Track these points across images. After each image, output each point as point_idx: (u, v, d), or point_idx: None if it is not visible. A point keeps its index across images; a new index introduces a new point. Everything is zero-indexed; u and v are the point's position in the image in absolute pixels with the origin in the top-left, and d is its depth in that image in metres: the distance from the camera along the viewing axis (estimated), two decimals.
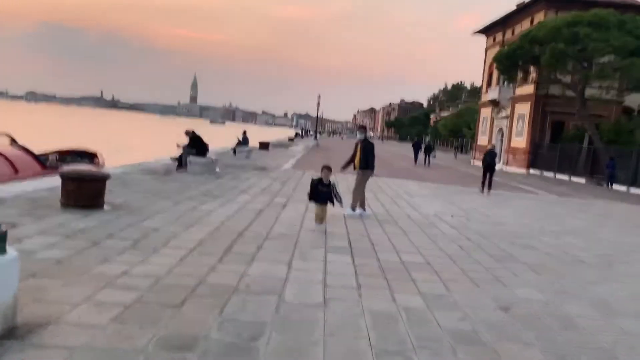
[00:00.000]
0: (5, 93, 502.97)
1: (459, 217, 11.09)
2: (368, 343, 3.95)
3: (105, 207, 8.21)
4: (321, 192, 8.27)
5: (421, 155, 35.11)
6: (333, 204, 8.38)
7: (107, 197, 8.88)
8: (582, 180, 30.83)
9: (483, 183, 17.81)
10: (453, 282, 5.87)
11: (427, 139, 56.97)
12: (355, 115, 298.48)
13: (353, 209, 9.81)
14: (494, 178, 18.42)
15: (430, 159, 35.03)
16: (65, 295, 4.34)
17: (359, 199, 9.96)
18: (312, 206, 8.68)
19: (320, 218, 8.32)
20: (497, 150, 42.39)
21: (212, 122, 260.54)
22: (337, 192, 8.36)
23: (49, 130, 52.69)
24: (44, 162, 13.71)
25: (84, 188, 7.86)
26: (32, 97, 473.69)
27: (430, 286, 5.62)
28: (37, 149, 16.73)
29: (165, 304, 4.34)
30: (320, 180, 8.34)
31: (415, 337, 4.15)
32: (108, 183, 10.38)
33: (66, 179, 7.90)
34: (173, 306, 4.30)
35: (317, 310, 4.53)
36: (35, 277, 4.70)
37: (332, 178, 8.31)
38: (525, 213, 13.22)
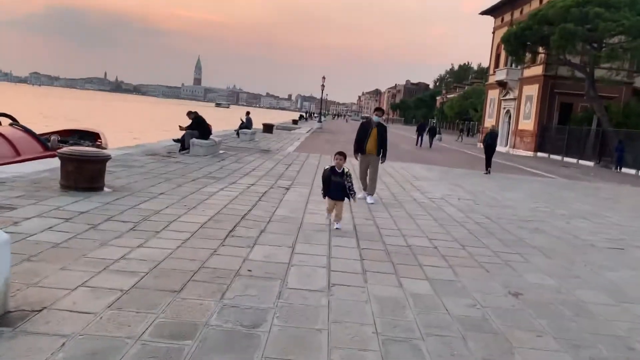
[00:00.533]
0: (10, 74, 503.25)
1: (466, 200, 10.89)
2: (374, 330, 3.79)
3: (106, 189, 8.06)
4: (334, 183, 6.93)
5: (426, 137, 35.75)
6: (348, 198, 7.04)
7: (108, 178, 8.74)
8: (590, 164, 30.50)
9: (488, 163, 18.35)
10: (461, 267, 5.70)
11: (433, 121, 56.83)
12: (359, 97, 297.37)
13: (371, 195, 9.57)
14: (493, 159, 18.84)
15: (434, 141, 36.08)
16: (61, 279, 4.20)
17: (375, 185, 9.76)
18: (318, 190, 8.31)
19: (332, 210, 7.09)
20: (504, 133, 42.24)
21: (217, 104, 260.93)
22: (352, 184, 7.02)
23: (52, 112, 52.62)
24: (45, 143, 13.55)
25: (84, 169, 7.70)
26: (36, 79, 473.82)
27: (438, 271, 5.45)
28: (39, 130, 16.60)
29: (164, 289, 4.20)
30: (332, 168, 7.05)
31: (423, 324, 4.00)
32: (109, 164, 10.24)
33: (65, 159, 7.73)
34: (172, 291, 4.16)
35: (321, 296, 4.38)
36: (30, 261, 4.56)
37: (347, 167, 7.19)
38: (533, 196, 13.00)
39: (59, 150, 8.07)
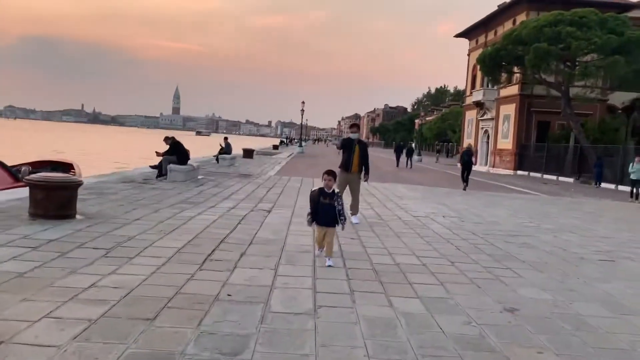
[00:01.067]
0: None
1: (451, 218, 10.71)
2: (365, 353, 3.51)
3: (78, 216, 7.70)
4: (323, 206, 5.98)
5: (403, 158, 36.66)
6: (338, 223, 6.03)
7: (81, 206, 8.38)
8: (570, 180, 30.75)
9: (463, 179, 19.23)
10: (452, 283, 5.46)
11: (413, 143, 57.52)
12: (339, 122, 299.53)
13: (356, 215, 9.28)
14: (472, 177, 19.47)
15: (414, 162, 37.12)
16: (23, 311, 3.85)
17: (358, 203, 9.47)
18: (300, 212, 7.93)
19: (322, 242, 6.12)
20: (484, 152, 42.65)
21: (198, 133, 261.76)
22: (342, 208, 6.04)
23: (27, 145, 51.82)
24: (16, 174, 13.07)
25: (54, 196, 7.34)
26: (11, 112, 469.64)
27: (428, 288, 5.20)
28: (11, 162, 16.09)
29: (137, 317, 3.87)
30: (321, 190, 6.10)
31: (417, 344, 3.73)
32: (82, 193, 9.86)
33: (34, 187, 7.37)
34: (145, 320, 3.83)
35: (307, 319, 4.09)
36: None
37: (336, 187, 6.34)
38: (518, 212, 12.89)
39: (27, 177, 7.71)
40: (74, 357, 3.15)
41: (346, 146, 9.43)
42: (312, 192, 6.26)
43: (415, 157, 49.82)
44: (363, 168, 9.35)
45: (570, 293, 5.44)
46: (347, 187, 9.25)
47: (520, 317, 4.53)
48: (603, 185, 27.60)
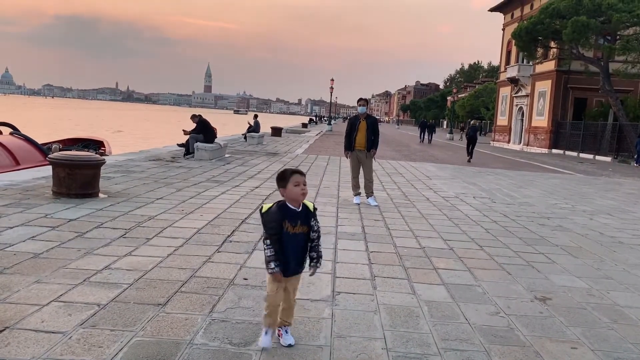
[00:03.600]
0: (23, 87, 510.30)
1: (481, 199, 10.35)
2: (384, 346, 3.30)
3: (101, 195, 7.66)
4: (292, 238, 3.16)
5: (427, 134, 39.76)
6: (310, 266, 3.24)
7: (105, 184, 8.37)
8: (607, 159, 29.70)
9: (468, 152, 21.94)
10: (480, 269, 5.19)
11: (445, 120, 56.81)
12: (369, 100, 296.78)
13: (372, 196, 8.76)
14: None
15: (432, 137, 40.44)
16: (32, 294, 3.76)
17: (373, 184, 8.99)
18: (325, 192, 7.49)
19: (278, 313, 3.21)
20: (518, 130, 41.71)
21: (235, 112, 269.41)
22: (319, 235, 3.24)
23: (62, 123, 52.89)
24: (46, 152, 13.21)
25: (76, 175, 7.29)
26: (49, 90, 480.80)
27: (454, 275, 4.95)
28: (44, 140, 16.36)
29: (148, 302, 3.74)
30: (284, 210, 3.20)
31: (440, 336, 3.50)
32: (108, 170, 9.87)
33: (57, 165, 7.34)
34: (156, 305, 3.70)
35: (324, 307, 3.90)
36: (3, 274, 4.13)
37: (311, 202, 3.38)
38: (552, 193, 12.41)
39: (49, 156, 7.68)
40: (78, 345, 3.02)
41: (349, 123, 8.99)
42: (269, 210, 3.23)
43: (446, 135, 49.82)
44: (374, 143, 8.81)
45: (607, 281, 5.11)
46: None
47: (552, 307, 4.25)
48: None
